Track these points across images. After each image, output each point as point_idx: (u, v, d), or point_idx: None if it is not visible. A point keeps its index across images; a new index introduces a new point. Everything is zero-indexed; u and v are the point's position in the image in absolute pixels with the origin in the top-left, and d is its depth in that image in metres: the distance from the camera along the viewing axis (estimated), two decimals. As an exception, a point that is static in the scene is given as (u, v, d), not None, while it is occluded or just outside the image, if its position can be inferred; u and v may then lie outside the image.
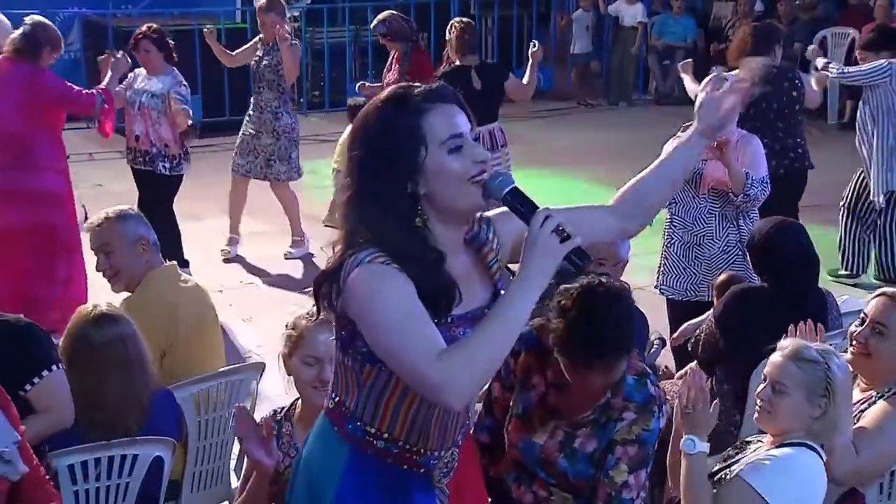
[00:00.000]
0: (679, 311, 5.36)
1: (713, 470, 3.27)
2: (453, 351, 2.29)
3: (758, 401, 3.26)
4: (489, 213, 2.60)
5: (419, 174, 2.39)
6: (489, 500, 3.14)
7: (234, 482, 4.06)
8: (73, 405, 3.57)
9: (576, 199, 2.68)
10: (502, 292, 2.53)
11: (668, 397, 3.32)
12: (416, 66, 8.02)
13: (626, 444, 3.07)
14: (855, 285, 7.45)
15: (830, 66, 7.42)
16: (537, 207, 2.35)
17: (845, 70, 7.66)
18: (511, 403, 3.25)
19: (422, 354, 2.28)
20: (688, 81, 7.43)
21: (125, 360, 3.63)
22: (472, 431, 3.27)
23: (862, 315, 3.60)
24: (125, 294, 4.28)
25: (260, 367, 4.20)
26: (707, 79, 2.77)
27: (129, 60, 6.99)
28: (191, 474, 4.00)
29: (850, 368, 3.65)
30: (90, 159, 9.95)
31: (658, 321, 4.99)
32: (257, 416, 3.81)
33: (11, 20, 7.12)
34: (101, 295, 4.80)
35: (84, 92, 6.56)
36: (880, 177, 7.27)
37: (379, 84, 8.43)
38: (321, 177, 9.80)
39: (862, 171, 7.46)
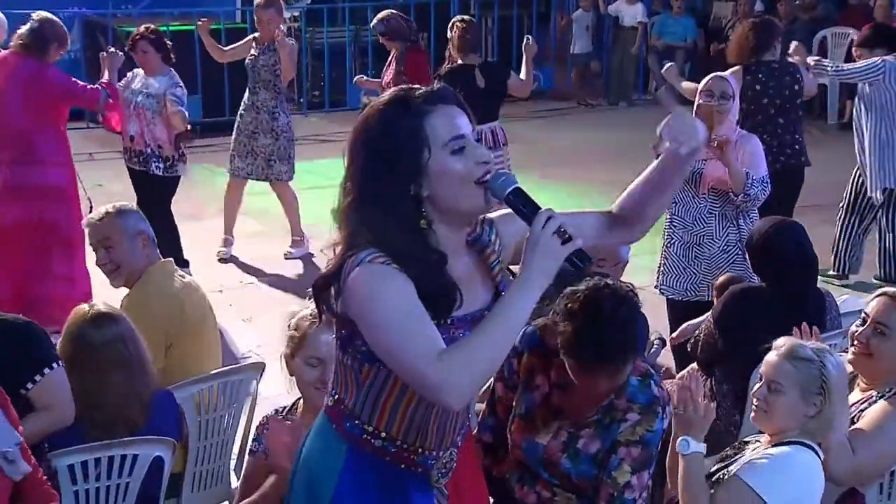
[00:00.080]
0: (679, 311, 5.37)
1: (711, 470, 3.28)
2: (453, 351, 2.30)
3: (754, 400, 3.27)
4: (492, 215, 2.60)
5: (422, 176, 2.39)
6: (491, 500, 3.14)
7: (234, 482, 4.06)
8: (73, 403, 3.57)
9: (576, 199, 2.69)
10: (504, 294, 2.54)
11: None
12: (412, 66, 7.99)
13: (629, 444, 3.08)
14: (854, 286, 7.45)
15: (824, 62, 7.43)
16: (539, 208, 2.35)
17: (840, 67, 7.67)
18: (514, 403, 3.25)
19: (421, 354, 2.28)
20: (678, 85, 7.45)
21: (125, 360, 3.64)
22: (475, 431, 3.29)
23: (863, 315, 3.60)
24: (131, 295, 4.28)
25: (260, 367, 4.20)
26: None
27: (124, 56, 6.99)
28: (191, 474, 4.00)
29: (851, 368, 3.66)
30: (90, 159, 9.94)
31: (658, 321, 4.99)
32: (257, 416, 3.81)
33: (12, 20, 7.12)
34: (104, 292, 4.80)
35: (89, 87, 6.57)
36: (874, 174, 7.28)
37: (378, 80, 8.43)
38: (321, 177, 9.80)
39: (858, 169, 7.46)
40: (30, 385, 3.52)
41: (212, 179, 8.89)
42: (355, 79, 9.01)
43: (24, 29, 6.37)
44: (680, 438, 3.18)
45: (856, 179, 7.51)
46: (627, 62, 14.19)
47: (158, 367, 4.04)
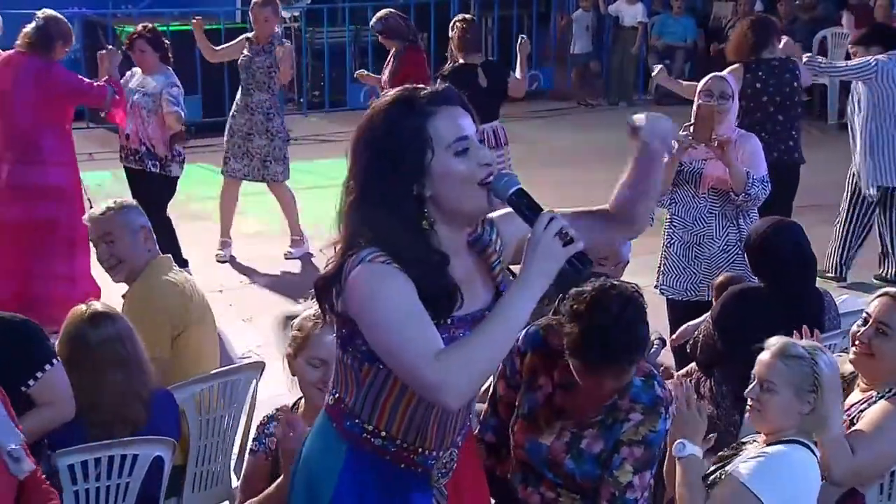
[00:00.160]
0: (679, 311, 5.37)
1: (709, 471, 3.28)
2: (451, 351, 2.30)
3: (748, 400, 3.28)
4: (492, 214, 2.60)
5: (425, 176, 2.40)
6: (493, 501, 3.13)
7: (235, 482, 4.06)
8: (73, 398, 3.58)
9: (576, 199, 2.68)
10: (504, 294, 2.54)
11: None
12: (410, 66, 7.99)
13: (632, 444, 3.08)
14: (853, 286, 7.45)
15: (817, 58, 7.43)
16: (541, 210, 2.36)
17: (833, 64, 7.68)
18: (517, 403, 3.25)
19: (420, 354, 2.29)
20: (673, 86, 7.46)
21: (122, 359, 3.64)
22: (477, 431, 3.28)
23: (864, 315, 3.60)
24: (134, 289, 4.29)
25: (260, 367, 4.20)
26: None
27: (122, 54, 6.99)
28: (191, 474, 4.00)
29: (851, 368, 3.66)
30: (90, 159, 9.94)
31: (658, 321, 4.99)
32: (258, 415, 3.81)
33: (12, 20, 7.13)
34: (105, 292, 4.81)
35: (95, 84, 6.58)
36: (867, 171, 7.30)
37: (379, 76, 8.43)
38: (321, 177, 9.80)
39: (852, 167, 7.48)
40: (31, 382, 3.53)
41: (212, 179, 8.88)
42: (356, 72, 9.03)
43: (29, 27, 6.38)
44: (676, 441, 3.18)
45: (850, 180, 7.52)
46: (627, 62, 14.18)
47: (165, 357, 4.07)
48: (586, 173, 9.86)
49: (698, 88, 5.46)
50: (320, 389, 3.28)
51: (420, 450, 2.58)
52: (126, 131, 7.16)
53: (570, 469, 3.14)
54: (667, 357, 5.09)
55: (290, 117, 12.26)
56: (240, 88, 8.01)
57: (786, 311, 4.04)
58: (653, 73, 7.48)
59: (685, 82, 7.58)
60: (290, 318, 3.63)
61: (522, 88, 7.97)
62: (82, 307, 3.73)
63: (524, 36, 8.26)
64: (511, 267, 2.66)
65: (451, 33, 7.98)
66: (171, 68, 7.18)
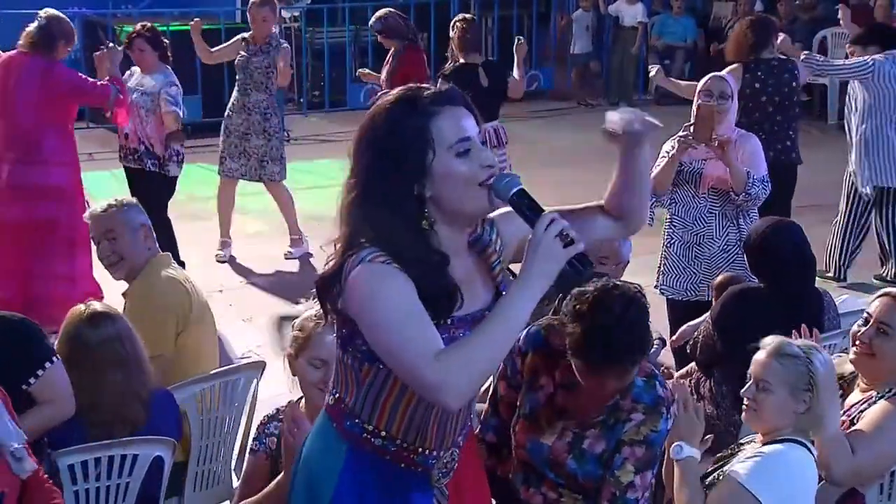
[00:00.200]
0: (679, 311, 5.37)
1: (707, 471, 3.29)
2: (451, 351, 2.30)
3: (745, 400, 3.28)
4: (492, 214, 2.60)
5: (426, 177, 2.40)
6: (494, 501, 3.13)
7: (235, 482, 4.06)
8: (73, 396, 3.59)
9: (575, 199, 2.67)
10: (504, 294, 2.54)
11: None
12: (408, 65, 8.00)
13: (633, 444, 3.08)
14: (853, 286, 7.46)
15: (814, 56, 7.44)
16: (543, 210, 2.36)
17: (830, 62, 7.69)
18: (518, 404, 3.25)
19: (420, 354, 2.29)
20: (671, 86, 7.46)
21: (121, 359, 3.65)
22: (477, 431, 3.28)
23: (865, 315, 3.60)
24: (135, 287, 4.30)
25: (260, 367, 4.21)
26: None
27: (122, 52, 6.98)
28: (192, 474, 4.00)
29: (852, 368, 3.66)
30: (90, 159, 9.93)
31: (658, 321, 4.99)
32: (258, 415, 3.81)
33: (12, 20, 7.13)
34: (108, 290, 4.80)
35: (99, 83, 6.58)
36: (862, 171, 7.32)
37: (379, 74, 8.44)
38: (321, 177, 9.81)
39: (849, 166, 7.49)
40: (32, 380, 3.53)
41: (212, 179, 8.88)
42: (358, 71, 9.02)
43: (31, 27, 6.38)
44: (674, 444, 3.18)
45: (847, 179, 7.53)
46: (627, 62, 14.18)
47: (168, 355, 4.07)
48: (586, 173, 9.85)
49: (698, 88, 5.46)
50: (321, 390, 3.28)
51: (420, 450, 2.58)
52: (125, 130, 7.16)
53: (573, 469, 3.14)
54: (667, 357, 5.09)
55: (290, 117, 12.29)
56: (236, 88, 7.99)
57: (785, 311, 4.04)
58: (650, 74, 7.46)
59: (683, 82, 7.59)
60: (284, 318, 3.63)
61: (520, 89, 7.98)
62: (81, 307, 3.74)
63: (521, 38, 8.27)
64: (511, 266, 2.66)
65: (451, 33, 7.98)
66: (170, 67, 7.17)
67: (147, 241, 4.32)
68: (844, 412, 3.57)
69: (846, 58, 7.65)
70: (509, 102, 8.11)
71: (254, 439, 3.56)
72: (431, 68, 12.76)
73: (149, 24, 7.35)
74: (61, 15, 6.51)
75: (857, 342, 3.58)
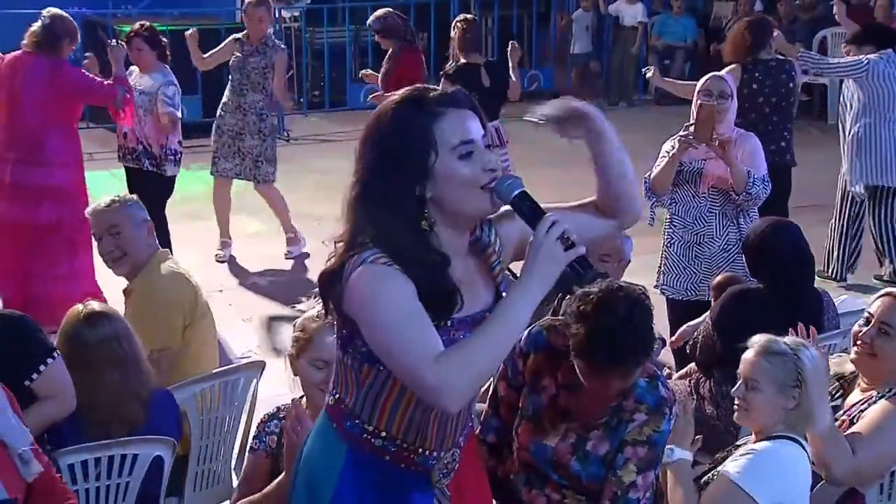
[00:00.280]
0: (679, 311, 5.37)
1: (704, 472, 3.29)
2: (451, 353, 2.30)
3: (735, 399, 3.30)
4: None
5: (428, 178, 2.39)
6: (494, 502, 3.12)
7: (235, 481, 4.06)
8: (74, 391, 3.59)
9: (575, 198, 2.66)
10: (504, 294, 2.53)
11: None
12: (402, 67, 8.02)
13: (636, 444, 3.08)
14: (853, 286, 7.46)
15: (808, 54, 7.45)
16: (544, 213, 2.36)
17: (826, 60, 7.70)
18: (520, 405, 3.24)
19: (420, 356, 2.28)
20: (668, 86, 7.45)
21: (119, 358, 3.65)
22: (477, 432, 3.27)
23: (866, 315, 3.59)
24: (137, 283, 4.31)
25: (260, 366, 4.21)
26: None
27: (125, 50, 6.98)
28: (192, 473, 4.00)
29: (852, 368, 3.66)
30: (90, 159, 9.90)
31: (658, 321, 4.99)
32: (258, 415, 3.81)
33: (12, 20, 7.13)
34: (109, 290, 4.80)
35: (105, 83, 6.58)
36: (854, 169, 7.33)
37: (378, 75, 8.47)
38: (321, 176, 9.81)
39: (843, 166, 7.51)
40: (35, 376, 3.54)
41: (211, 179, 8.88)
42: (361, 72, 9.02)
43: (35, 27, 6.38)
44: (665, 447, 3.19)
45: (842, 179, 7.55)
46: (627, 62, 14.17)
47: (176, 348, 4.11)
48: (586, 173, 9.82)
49: (697, 88, 5.46)
50: (323, 390, 3.27)
51: (420, 450, 2.57)
52: (124, 130, 7.16)
53: (576, 471, 3.13)
54: (667, 357, 5.09)
55: (290, 117, 12.28)
56: (230, 89, 7.94)
57: (785, 311, 4.04)
58: (647, 76, 7.46)
59: (681, 82, 7.58)
60: (273, 318, 3.63)
61: (517, 91, 8.01)
62: (79, 307, 3.74)
63: (514, 42, 8.29)
64: (511, 266, 2.66)
65: (452, 33, 7.99)
66: (168, 66, 7.16)
67: (149, 237, 4.36)
68: (844, 412, 3.57)
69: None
70: (509, 102, 8.11)
71: (254, 438, 3.56)
72: (431, 68, 12.78)
73: (147, 24, 7.34)
74: (64, 14, 6.52)
75: (859, 342, 3.58)
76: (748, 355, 3.28)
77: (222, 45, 8.13)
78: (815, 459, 3.34)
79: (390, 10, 8.57)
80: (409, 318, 2.32)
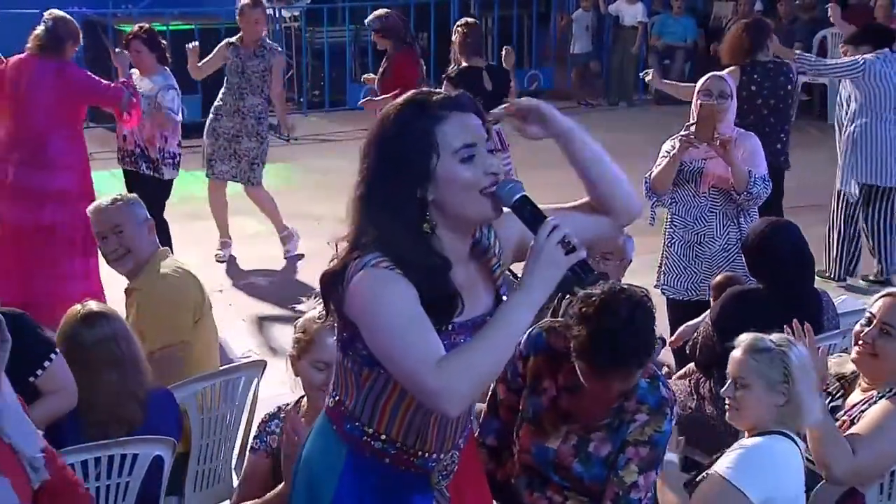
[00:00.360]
0: (679, 311, 5.36)
1: (699, 471, 3.30)
2: (452, 357, 2.29)
3: (726, 400, 3.31)
4: None
5: (429, 181, 2.39)
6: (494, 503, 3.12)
7: (236, 481, 4.06)
8: (76, 386, 3.60)
9: (574, 198, 2.66)
10: (504, 297, 2.53)
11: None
12: (398, 68, 8.03)
13: (637, 444, 3.08)
14: (852, 287, 7.46)
15: (805, 56, 7.46)
16: (545, 217, 2.36)
17: (822, 61, 7.70)
18: (521, 407, 3.24)
19: (421, 360, 2.28)
20: (667, 88, 7.45)
21: (117, 359, 3.65)
22: (477, 434, 3.27)
23: (868, 315, 3.59)
24: (141, 282, 4.32)
25: (261, 366, 4.21)
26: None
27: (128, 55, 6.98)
28: (193, 473, 4.00)
29: (853, 367, 3.66)
30: (90, 159, 9.95)
31: (658, 321, 4.98)
32: (258, 415, 3.81)
33: (12, 20, 7.13)
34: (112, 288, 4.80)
35: (111, 85, 6.57)
36: (848, 167, 7.33)
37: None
38: (320, 176, 9.81)
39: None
40: (39, 372, 3.55)
41: (211, 179, 8.89)
42: (363, 77, 9.02)
43: (38, 30, 6.38)
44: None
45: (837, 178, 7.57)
46: (627, 62, 14.18)
47: (189, 340, 4.15)
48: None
49: (697, 88, 5.46)
50: (324, 392, 3.27)
51: (420, 453, 2.57)
52: (123, 133, 7.15)
53: (579, 472, 3.13)
54: (667, 357, 5.09)
55: (290, 117, 12.26)
56: (226, 92, 7.90)
57: (785, 311, 4.03)
58: (646, 79, 7.46)
59: (680, 84, 7.58)
60: (273, 318, 3.64)
61: (514, 94, 8.02)
62: (77, 307, 3.75)
63: (508, 47, 8.33)
64: (512, 267, 2.65)
65: (453, 37, 8.00)
66: (168, 69, 7.15)
67: (151, 235, 4.38)
68: (845, 412, 3.57)
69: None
70: (508, 103, 8.12)
71: (255, 438, 3.56)
72: (431, 69, 12.80)
73: (146, 26, 7.32)
74: (66, 15, 6.52)
75: (860, 342, 3.58)
76: (735, 354, 3.30)
77: (214, 51, 8.07)
78: (816, 459, 3.35)
79: (390, 10, 8.57)
80: (411, 323, 2.31)
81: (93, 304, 3.77)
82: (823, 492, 3.47)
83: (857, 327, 3.61)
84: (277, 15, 13.27)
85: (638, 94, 14.29)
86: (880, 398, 3.51)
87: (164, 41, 7.29)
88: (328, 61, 13.25)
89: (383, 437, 2.54)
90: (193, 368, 4.16)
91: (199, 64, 8.11)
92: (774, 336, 3.33)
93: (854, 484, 3.49)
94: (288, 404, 3.54)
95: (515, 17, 14.24)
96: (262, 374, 4.18)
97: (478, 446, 3.21)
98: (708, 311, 4.58)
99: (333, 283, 2.42)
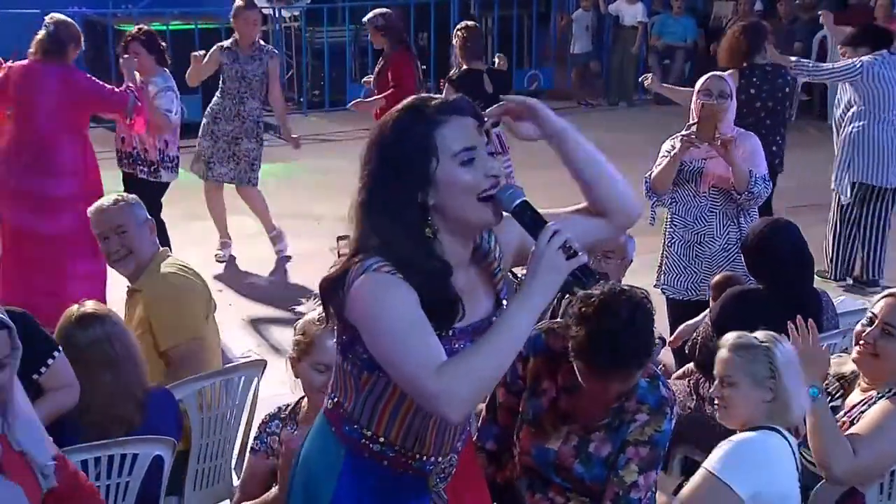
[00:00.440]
0: (679, 311, 5.36)
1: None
2: (453, 363, 2.29)
3: (715, 400, 3.32)
4: None
5: (430, 185, 2.39)
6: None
7: (236, 480, 4.06)
8: (78, 383, 3.60)
9: (576, 200, 2.66)
10: (504, 301, 2.54)
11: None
12: (394, 68, 8.07)
13: (637, 444, 3.08)
14: (851, 287, 7.47)
15: (803, 61, 7.46)
16: (545, 222, 2.36)
17: (819, 66, 7.71)
18: (521, 409, 3.24)
19: (422, 365, 2.28)
20: (666, 91, 7.45)
21: (111, 359, 3.65)
22: (476, 438, 3.28)
23: (870, 315, 3.58)
24: (144, 283, 4.32)
25: (261, 365, 4.21)
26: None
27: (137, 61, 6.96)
28: (193, 472, 4.00)
29: (853, 367, 3.66)
30: (90, 159, 9.96)
31: (658, 321, 4.98)
32: (258, 414, 3.81)
33: (11, 20, 7.12)
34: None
35: (116, 90, 6.57)
36: (843, 168, 7.34)
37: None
38: (321, 176, 9.81)
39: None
40: (43, 369, 3.56)
41: (211, 179, 8.89)
42: (364, 79, 9.03)
43: (40, 35, 6.37)
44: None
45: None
46: (627, 62, 14.18)
47: (200, 336, 4.19)
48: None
49: (696, 88, 5.46)
50: (324, 393, 3.27)
51: (418, 456, 2.57)
52: (121, 134, 7.15)
53: (579, 473, 3.14)
54: (667, 357, 5.09)
55: (290, 117, 12.26)
56: (224, 96, 7.87)
57: (785, 311, 4.04)
58: (645, 84, 7.45)
59: (679, 88, 7.58)
60: (273, 318, 3.64)
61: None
62: (73, 308, 3.75)
63: (500, 54, 8.34)
64: (513, 270, 2.65)
65: (453, 41, 8.02)
66: (167, 70, 7.14)
67: (152, 236, 4.39)
68: (845, 413, 3.57)
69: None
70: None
71: (255, 438, 3.56)
72: (431, 69, 12.81)
73: (144, 28, 7.30)
74: (67, 19, 6.51)
75: (862, 342, 3.57)
76: (720, 354, 3.33)
77: (207, 57, 8.01)
78: (816, 459, 3.35)
79: (390, 10, 8.61)
80: (412, 327, 2.31)
81: (88, 306, 3.77)
82: (823, 491, 3.48)
83: (859, 327, 3.61)
84: (277, 15, 13.27)
85: (638, 94, 14.29)
86: (880, 398, 3.51)
87: (163, 43, 7.28)
88: (328, 61, 13.26)
89: (382, 439, 2.54)
90: (206, 366, 4.18)
91: (191, 70, 8.02)
92: (759, 333, 3.35)
93: (854, 484, 3.49)
94: (288, 404, 3.54)
95: (515, 17, 14.24)
96: (263, 373, 4.19)
97: (476, 451, 3.21)
98: (707, 311, 4.59)
99: (334, 289, 2.42)
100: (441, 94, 7.64)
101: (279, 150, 9.86)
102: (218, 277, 7.55)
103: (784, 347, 3.29)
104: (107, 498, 3.54)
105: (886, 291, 3.67)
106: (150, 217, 4.42)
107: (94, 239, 4.47)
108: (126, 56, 6.93)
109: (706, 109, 5.21)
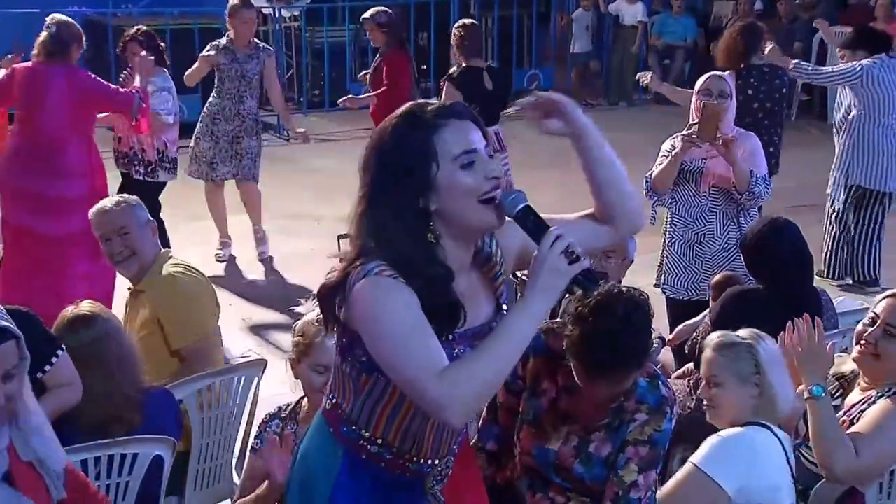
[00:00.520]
0: (679, 310, 5.36)
1: None
2: (455, 367, 2.29)
3: (703, 401, 3.33)
4: None
5: (431, 190, 2.39)
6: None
7: (236, 479, 4.06)
8: (80, 380, 3.61)
9: (574, 200, 2.66)
10: (504, 306, 2.54)
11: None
12: (390, 66, 8.08)
13: (637, 444, 3.08)
14: (850, 287, 7.47)
15: (802, 64, 7.47)
16: (548, 227, 2.36)
17: (818, 70, 7.72)
18: (521, 410, 3.24)
19: (423, 369, 2.27)
20: (665, 90, 7.46)
21: (105, 360, 3.64)
22: (477, 439, 3.29)
23: (872, 315, 3.58)
24: (148, 284, 4.32)
25: (262, 365, 4.21)
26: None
27: (153, 59, 6.93)
28: (193, 472, 4.01)
29: (854, 367, 3.66)
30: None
31: (658, 320, 4.99)
32: (259, 414, 3.81)
33: (11, 20, 7.12)
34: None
35: (122, 90, 6.57)
36: (841, 169, 7.34)
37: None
38: (321, 176, 9.81)
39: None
40: (47, 367, 3.55)
41: (211, 179, 8.88)
42: (359, 75, 9.04)
43: (43, 36, 6.37)
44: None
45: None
46: (627, 62, 14.19)
47: (210, 332, 4.23)
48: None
49: (696, 87, 5.46)
50: (324, 393, 3.27)
51: (416, 458, 2.57)
52: (118, 134, 7.15)
53: (580, 473, 3.14)
54: (666, 356, 5.08)
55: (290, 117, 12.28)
56: (223, 96, 7.86)
57: (784, 311, 4.04)
58: (644, 83, 7.45)
59: (678, 89, 7.59)
60: (273, 318, 3.64)
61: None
62: (69, 309, 3.75)
63: (490, 62, 8.36)
64: (516, 272, 2.65)
65: (452, 39, 8.03)
66: (166, 70, 7.14)
67: (154, 237, 4.40)
68: (845, 412, 3.57)
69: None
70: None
71: (255, 438, 3.56)
72: (431, 69, 12.82)
73: (143, 28, 7.31)
74: (68, 19, 6.51)
75: (863, 342, 3.57)
76: (705, 355, 3.34)
77: (200, 60, 8.02)
78: (817, 458, 3.35)
79: (390, 9, 8.63)
80: (413, 331, 2.31)
81: (84, 307, 3.77)
82: (823, 491, 3.48)
83: (860, 327, 3.61)
84: (277, 15, 13.27)
85: (638, 94, 14.29)
86: (879, 398, 3.51)
87: (162, 43, 7.27)
88: (328, 61, 13.26)
89: (379, 441, 2.54)
90: (217, 363, 4.19)
91: (189, 72, 8.04)
92: (741, 331, 3.37)
93: (854, 483, 3.49)
94: (288, 404, 3.55)
95: (515, 17, 14.25)
96: (263, 373, 4.19)
97: (477, 451, 3.21)
98: (707, 311, 4.59)
99: (332, 294, 2.42)
100: (441, 93, 7.66)
101: (279, 150, 9.89)
102: (218, 277, 7.54)
103: (767, 344, 3.31)
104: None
105: (889, 292, 3.66)
106: (151, 219, 4.43)
107: (97, 240, 4.47)
108: (143, 54, 6.90)
109: (708, 109, 5.21)
